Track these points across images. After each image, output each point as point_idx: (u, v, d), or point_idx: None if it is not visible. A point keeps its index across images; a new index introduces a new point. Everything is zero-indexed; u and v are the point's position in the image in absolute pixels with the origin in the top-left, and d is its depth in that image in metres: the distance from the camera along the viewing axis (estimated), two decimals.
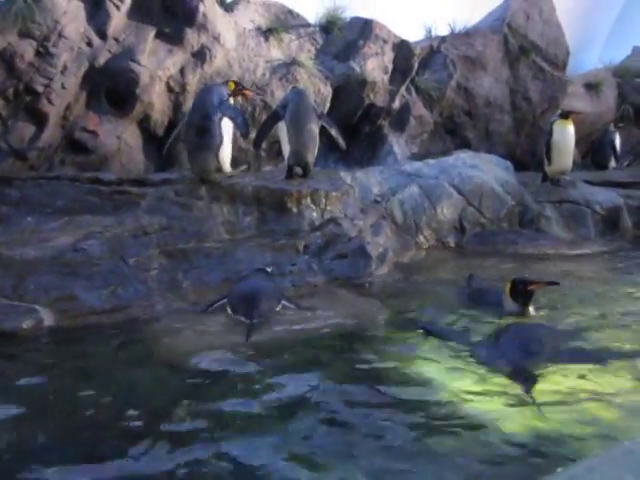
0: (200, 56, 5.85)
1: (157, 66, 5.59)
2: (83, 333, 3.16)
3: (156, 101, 5.63)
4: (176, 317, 3.42)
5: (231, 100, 4.83)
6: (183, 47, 5.78)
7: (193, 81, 5.81)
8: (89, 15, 5.31)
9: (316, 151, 5.17)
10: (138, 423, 2.13)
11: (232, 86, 4.90)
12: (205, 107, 4.59)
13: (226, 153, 4.73)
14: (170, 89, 5.74)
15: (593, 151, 9.11)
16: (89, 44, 5.31)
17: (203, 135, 4.57)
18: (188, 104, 5.86)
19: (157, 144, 5.81)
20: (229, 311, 3.38)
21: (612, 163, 8.72)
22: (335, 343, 2.98)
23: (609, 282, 4.29)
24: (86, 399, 2.34)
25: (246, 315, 3.24)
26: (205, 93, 4.75)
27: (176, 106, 5.81)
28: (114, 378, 2.55)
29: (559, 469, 1.09)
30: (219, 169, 4.70)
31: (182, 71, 5.77)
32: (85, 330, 3.20)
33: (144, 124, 5.69)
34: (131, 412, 2.19)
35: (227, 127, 4.65)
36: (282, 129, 5.03)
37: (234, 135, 4.90)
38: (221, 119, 4.57)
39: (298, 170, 5.16)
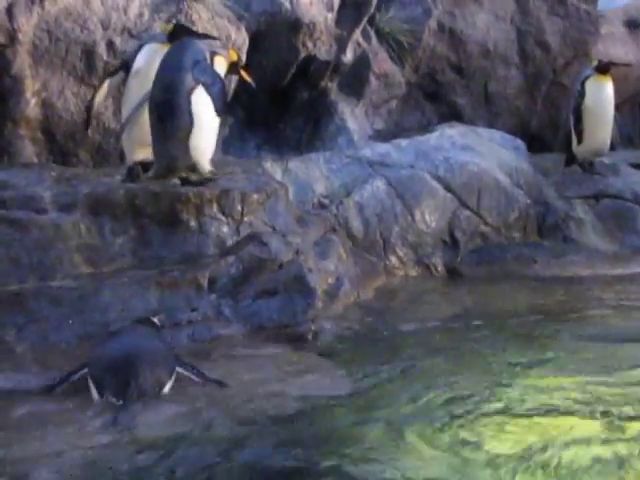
0: None
1: None
2: None
3: None
4: (5, 402, 3.32)
5: (219, 63, 4.83)
6: None
7: (27, 27, 5.67)
8: None
9: None
10: None
11: (234, 55, 5.01)
12: (171, 73, 4.64)
13: (203, 142, 4.73)
14: None
15: None
16: None
17: (165, 116, 4.65)
18: (21, 61, 5.73)
19: None
20: (92, 389, 3.31)
21: None
22: (255, 442, 2.89)
23: None
24: None
25: (118, 394, 3.19)
26: (175, 50, 4.76)
27: (2, 66, 5.67)
28: None
29: None
30: (192, 166, 4.73)
31: (9, 11, 5.62)
32: None
33: None
34: None
35: (205, 101, 4.66)
36: None
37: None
38: (192, 90, 4.60)
39: None
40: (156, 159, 4.86)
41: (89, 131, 5.94)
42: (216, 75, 4.78)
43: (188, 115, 4.62)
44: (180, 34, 5.04)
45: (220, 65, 4.86)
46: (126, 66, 5.07)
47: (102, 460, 2.73)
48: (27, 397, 3.37)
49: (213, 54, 4.79)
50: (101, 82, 5.28)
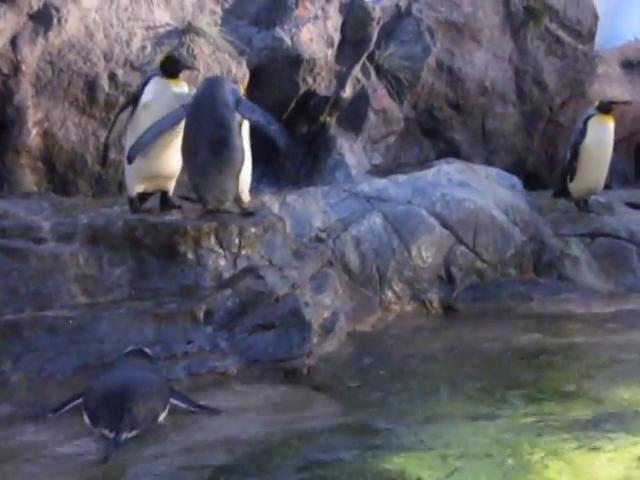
0: (42, 19, 5.79)
1: None
2: None
3: None
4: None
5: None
6: (16, 6, 5.72)
7: (31, 58, 5.74)
8: None
9: None
10: None
11: (242, 89, 5.27)
12: (218, 108, 4.81)
13: (247, 174, 5.04)
14: None
15: None
16: None
17: (220, 150, 4.82)
18: (24, 91, 5.78)
19: None
20: (86, 419, 3.31)
21: None
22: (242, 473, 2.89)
23: None
24: None
25: (112, 425, 3.17)
26: (212, 87, 4.98)
27: (5, 96, 5.72)
28: None
29: None
30: (238, 197, 4.98)
31: (14, 42, 5.69)
32: None
33: None
34: None
35: (247, 136, 4.98)
36: None
37: None
38: (241, 126, 4.91)
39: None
40: (207, 192, 4.99)
41: (89, 161, 6.01)
42: (267, 113, 4.91)
43: (242, 150, 4.85)
44: (169, 63, 5.17)
45: None
46: (134, 100, 5.13)
47: None
48: (21, 426, 3.36)
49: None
50: (114, 119, 5.33)
